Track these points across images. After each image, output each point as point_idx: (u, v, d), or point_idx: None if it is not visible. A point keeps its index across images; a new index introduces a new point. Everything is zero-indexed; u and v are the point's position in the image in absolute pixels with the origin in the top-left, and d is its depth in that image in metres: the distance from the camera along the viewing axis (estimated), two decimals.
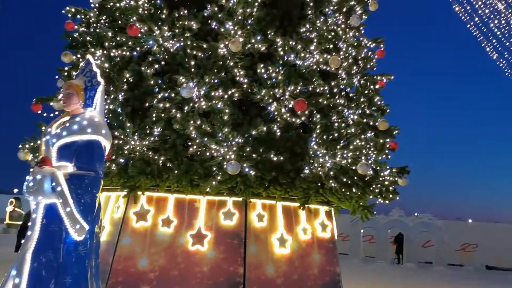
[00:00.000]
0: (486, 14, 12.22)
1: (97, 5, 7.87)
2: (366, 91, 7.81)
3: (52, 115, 7.77)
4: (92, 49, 7.32)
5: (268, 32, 7.22)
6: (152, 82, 6.98)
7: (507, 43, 11.91)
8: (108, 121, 6.62)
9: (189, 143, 6.72)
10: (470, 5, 12.21)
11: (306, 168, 6.83)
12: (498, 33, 12.13)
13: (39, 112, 7.77)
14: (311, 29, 7.45)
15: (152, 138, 6.65)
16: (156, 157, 6.62)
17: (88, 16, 7.96)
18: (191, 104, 6.69)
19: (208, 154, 6.51)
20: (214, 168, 6.45)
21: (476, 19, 12.20)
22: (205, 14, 7.08)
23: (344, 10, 7.97)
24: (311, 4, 7.64)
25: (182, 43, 6.98)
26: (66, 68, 7.96)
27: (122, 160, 6.65)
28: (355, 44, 8.06)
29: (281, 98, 6.94)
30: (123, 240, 6.96)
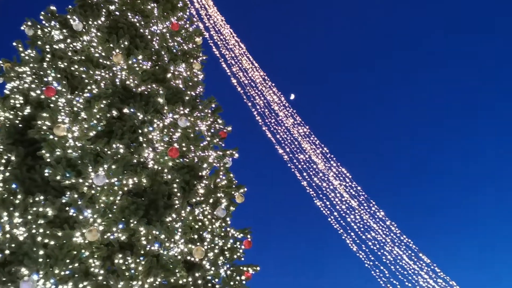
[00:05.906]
0: (343, 210, 13.54)
1: None
2: (232, 283, 7.61)
3: None
4: None
5: (131, 221, 7.02)
6: None
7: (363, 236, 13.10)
8: None
9: None
10: (328, 200, 13.54)
11: None
12: (355, 227, 13.35)
13: None
14: (177, 218, 7.43)
15: None
16: None
17: None
18: None
19: None
20: None
21: (335, 213, 13.44)
22: (64, 201, 6.75)
23: (211, 201, 8.20)
24: (178, 194, 7.78)
25: (33, 231, 6.42)
26: None
27: None
28: (222, 234, 8.13)
29: None
30: None
